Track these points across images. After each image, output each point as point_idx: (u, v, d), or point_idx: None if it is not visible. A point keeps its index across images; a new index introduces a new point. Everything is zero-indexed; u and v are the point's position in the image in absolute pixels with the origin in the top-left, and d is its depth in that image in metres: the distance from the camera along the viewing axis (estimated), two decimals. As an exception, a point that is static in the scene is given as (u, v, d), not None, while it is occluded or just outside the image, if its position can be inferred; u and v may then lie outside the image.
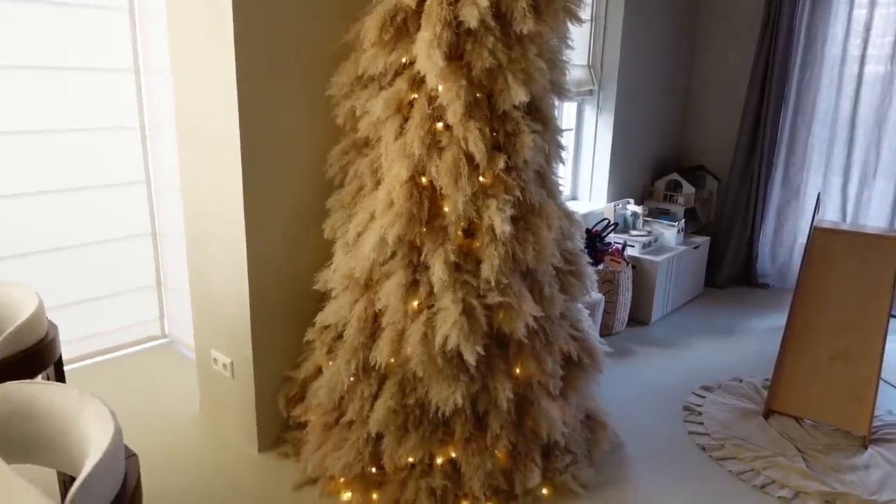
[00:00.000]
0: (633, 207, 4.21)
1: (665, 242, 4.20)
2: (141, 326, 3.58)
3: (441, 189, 2.19)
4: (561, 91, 2.44)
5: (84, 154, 3.17)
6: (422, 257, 2.23)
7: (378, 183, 2.36)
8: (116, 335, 3.49)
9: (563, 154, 2.52)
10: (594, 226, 3.97)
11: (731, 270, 4.73)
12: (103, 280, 3.40)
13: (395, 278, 2.25)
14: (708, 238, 4.49)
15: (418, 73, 2.19)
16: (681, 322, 4.06)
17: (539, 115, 2.32)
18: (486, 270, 2.17)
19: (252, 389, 2.56)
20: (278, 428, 2.66)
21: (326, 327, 2.46)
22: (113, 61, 3.16)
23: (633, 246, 3.98)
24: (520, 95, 2.14)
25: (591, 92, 4.22)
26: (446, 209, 2.22)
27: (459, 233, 2.24)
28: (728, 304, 4.41)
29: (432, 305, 2.23)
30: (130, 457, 1.36)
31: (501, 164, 2.17)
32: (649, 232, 4.13)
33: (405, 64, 2.26)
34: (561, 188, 2.54)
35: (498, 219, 2.15)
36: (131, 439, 2.69)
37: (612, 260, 3.76)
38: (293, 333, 2.60)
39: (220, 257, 2.55)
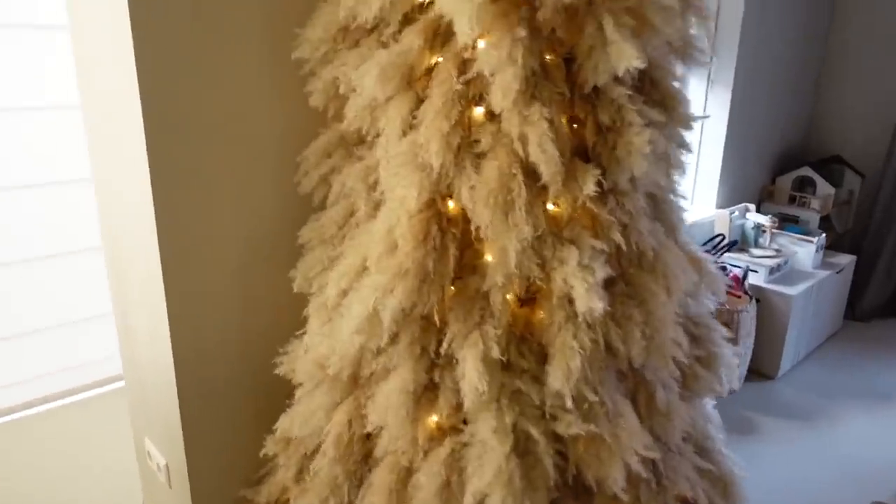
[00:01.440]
0: (755, 216, 3.12)
1: (797, 264, 3.10)
2: (96, 365, 2.76)
3: (479, 227, 1.23)
4: (689, 51, 1.42)
5: (12, 140, 2.33)
6: (443, 344, 1.28)
7: (377, 206, 1.41)
8: (64, 376, 2.68)
9: (686, 159, 1.51)
10: (703, 244, 2.91)
11: (878, 297, 3.57)
12: (45, 307, 2.59)
13: (396, 378, 1.30)
14: (853, 257, 3.36)
15: (441, 18, 1.22)
16: (819, 376, 2.97)
17: (657, 93, 1.31)
18: (558, 378, 1.20)
19: (191, 511, 1.69)
20: (236, 564, 1.78)
21: (294, 439, 1.54)
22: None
23: (755, 271, 2.90)
24: (628, 57, 1.14)
25: (700, 59, 3.12)
26: (488, 259, 1.26)
27: (511, 301, 1.27)
28: (883, 346, 3.27)
29: (461, 429, 1.28)
30: None
31: (591, 186, 1.19)
32: (777, 251, 3.04)
33: (420, 4, 1.29)
34: (684, 215, 1.53)
35: (581, 286, 1.17)
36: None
37: (729, 293, 2.71)
38: (250, 433, 1.69)
39: (138, 308, 1.67)
